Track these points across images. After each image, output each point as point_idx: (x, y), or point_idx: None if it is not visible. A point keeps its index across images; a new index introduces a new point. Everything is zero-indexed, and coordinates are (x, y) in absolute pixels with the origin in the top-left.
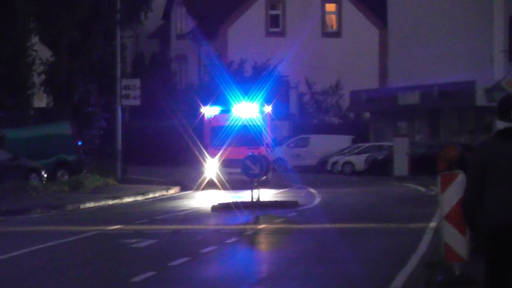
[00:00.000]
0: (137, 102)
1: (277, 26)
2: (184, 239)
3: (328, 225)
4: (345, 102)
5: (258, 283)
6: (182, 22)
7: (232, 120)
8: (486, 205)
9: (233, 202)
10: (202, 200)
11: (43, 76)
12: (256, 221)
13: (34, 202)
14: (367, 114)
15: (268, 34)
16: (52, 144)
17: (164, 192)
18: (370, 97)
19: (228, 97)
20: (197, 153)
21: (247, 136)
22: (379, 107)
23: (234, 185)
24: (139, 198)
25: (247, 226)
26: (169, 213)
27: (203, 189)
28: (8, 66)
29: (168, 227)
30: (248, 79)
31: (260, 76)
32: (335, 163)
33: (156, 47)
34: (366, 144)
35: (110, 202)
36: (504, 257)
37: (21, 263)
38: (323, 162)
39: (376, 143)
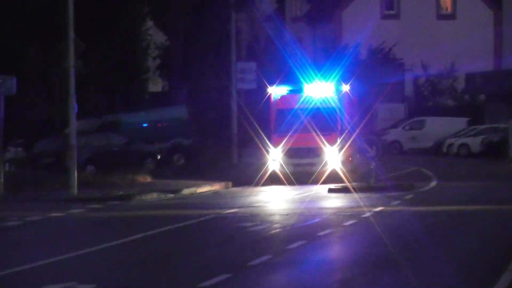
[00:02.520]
0: (253, 85)
1: (392, 9)
2: (301, 222)
3: (444, 207)
4: (460, 84)
5: (373, 267)
6: (297, 5)
7: (302, 101)
8: None
9: (350, 185)
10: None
11: (158, 61)
12: (373, 204)
13: (149, 186)
14: (482, 96)
15: (383, 16)
16: (168, 128)
17: None
18: (485, 79)
19: (299, 75)
20: (257, 140)
21: (318, 120)
22: (494, 89)
23: (301, 179)
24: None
25: (364, 209)
26: (285, 196)
27: (263, 184)
28: (123, 51)
29: (284, 210)
30: (363, 62)
31: (376, 59)
32: (451, 145)
33: (271, 31)
34: (482, 126)
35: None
36: None
37: (140, 247)
38: (438, 144)
39: (491, 125)
